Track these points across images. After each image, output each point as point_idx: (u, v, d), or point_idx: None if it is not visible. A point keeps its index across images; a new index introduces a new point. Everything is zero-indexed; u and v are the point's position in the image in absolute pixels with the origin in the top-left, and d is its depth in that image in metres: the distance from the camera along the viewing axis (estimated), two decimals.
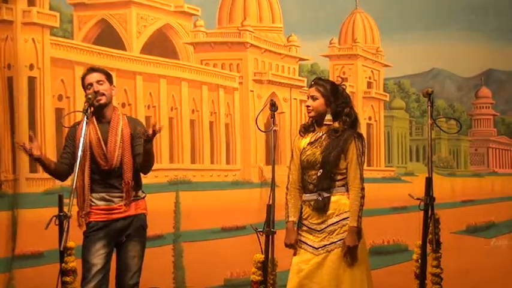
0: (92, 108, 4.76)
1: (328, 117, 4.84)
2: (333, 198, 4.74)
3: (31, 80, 7.70)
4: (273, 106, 4.89)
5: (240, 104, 8.56)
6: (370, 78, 9.11)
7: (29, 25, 7.64)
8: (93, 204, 4.76)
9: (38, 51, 7.68)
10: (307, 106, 4.83)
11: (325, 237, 4.73)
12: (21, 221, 7.43)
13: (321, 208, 4.74)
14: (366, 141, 4.89)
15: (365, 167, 8.83)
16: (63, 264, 4.77)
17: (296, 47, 8.77)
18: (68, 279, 4.91)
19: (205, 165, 8.42)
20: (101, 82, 4.79)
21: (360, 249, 4.72)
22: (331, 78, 8.79)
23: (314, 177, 4.77)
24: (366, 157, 4.87)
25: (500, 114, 9.38)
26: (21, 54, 7.60)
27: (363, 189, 4.76)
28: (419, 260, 4.92)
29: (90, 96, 4.74)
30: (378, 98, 9.12)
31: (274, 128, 4.91)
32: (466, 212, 8.54)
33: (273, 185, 4.77)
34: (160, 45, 8.39)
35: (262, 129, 5.42)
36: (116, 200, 4.78)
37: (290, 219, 4.79)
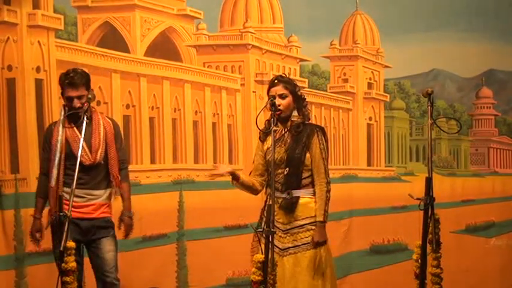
0: (67, 111, 4.98)
1: (295, 113, 4.82)
2: (301, 201, 4.71)
3: (38, 82, 7.75)
4: (273, 106, 4.83)
5: (242, 105, 8.58)
6: (370, 79, 9.11)
7: (34, 28, 7.65)
8: (66, 198, 4.84)
9: (44, 53, 7.69)
10: (278, 105, 4.76)
11: (289, 239, 4.77)
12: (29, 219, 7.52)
13: (288, 207, 4.72)
14: (327, 135, 4.82)
15: (365, 166, 8.96)
16: (63, 264, 4.82)
17: (297, 48, 8.73)
18: (68, 279, 4.93)
19: (208, 165, 8.41)
20: (80, 97, 5.00)
21: (323, 255, 4.72)
22: (332, 79, 8.91)
23: (281, 176, 4.74)
24: (328, 152, 4.80)
25: (501, 115, 9.33)
26: (27, 57, 7.64)
27: (328, 183, 4.69)
28: (420, 260, 4.87)
29: (90, 96, 4.91)
30: (378, 98, 9.11)
31: (275, 128, 4.84)
32: (465, 212, 8.54)
33: (272, 184, 4.70)
34: (163, 47, 8.39)
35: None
36: (90, 197, 4.96)
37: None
